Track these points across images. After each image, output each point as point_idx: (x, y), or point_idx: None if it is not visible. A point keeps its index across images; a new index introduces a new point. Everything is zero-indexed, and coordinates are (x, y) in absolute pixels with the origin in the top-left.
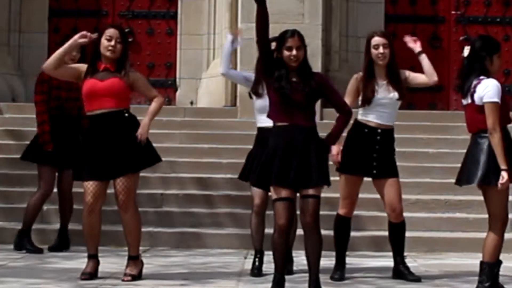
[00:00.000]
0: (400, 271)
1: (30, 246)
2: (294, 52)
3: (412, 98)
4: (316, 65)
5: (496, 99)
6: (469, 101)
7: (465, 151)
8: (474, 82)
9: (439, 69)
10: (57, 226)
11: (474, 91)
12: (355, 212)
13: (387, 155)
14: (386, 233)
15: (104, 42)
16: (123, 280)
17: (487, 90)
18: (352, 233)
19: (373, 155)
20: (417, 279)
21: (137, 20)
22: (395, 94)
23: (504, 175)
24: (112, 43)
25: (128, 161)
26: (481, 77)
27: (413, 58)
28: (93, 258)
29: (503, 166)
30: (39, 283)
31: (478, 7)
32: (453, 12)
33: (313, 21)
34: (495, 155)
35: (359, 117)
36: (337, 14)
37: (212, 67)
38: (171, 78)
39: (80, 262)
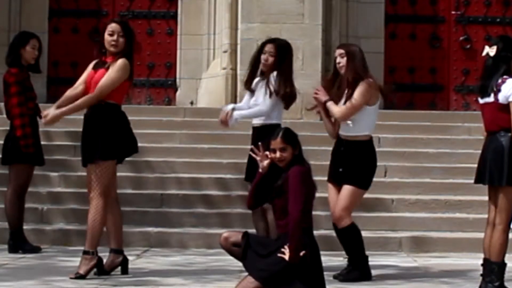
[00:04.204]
0: None
1: (26, 245)
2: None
3: (412, 98)
4: (316, 65)
5: None
6: (492, 99)
7: (465, 151)
8: (498, 81)
9: (439, 69)
10: (57, 226)
11: (499, 90)
12: (354, 213)
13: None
14: (385, 234)
15: (107, 37)
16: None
17: None
18: None
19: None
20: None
21: (137, 20)
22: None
23: None
24: (114, 37)
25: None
26: (505, 77)
27: (413, 59)
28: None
29: None
30: (40, 282)
31: (478, 7)
32: (453, 12)
33: (313, 21)
34: None
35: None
36: (337, 14)
37: (212, 67)
38: (171, 78)
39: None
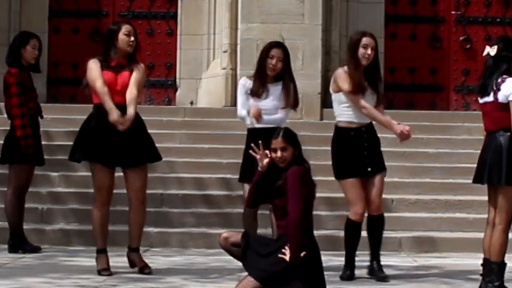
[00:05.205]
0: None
1: (26, 245)
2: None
3: (412, 98)
4: (316, 65)
5: None
6: (492, 98)
7: (465, 151)
8: (498, 80)
9: (439, 69)
10: (57, 226)
11: (499, 89)
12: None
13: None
14: (385, 234)
15: (124, 37)
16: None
17: None
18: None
19: (363, 153)
20: (384, 277)
21: (137, 20)
22: (374, 97)
23: None
24: (132, 38)
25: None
26: (505, 76)
27: (413, 59)
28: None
29: None
30: (40, 282)
31: (478, 7)
32: (453, 12)
33: (313, 21)
34: None
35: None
36: (337, 14)
37: (212, 67)
38: (171, 78)
39: (82, 260)
